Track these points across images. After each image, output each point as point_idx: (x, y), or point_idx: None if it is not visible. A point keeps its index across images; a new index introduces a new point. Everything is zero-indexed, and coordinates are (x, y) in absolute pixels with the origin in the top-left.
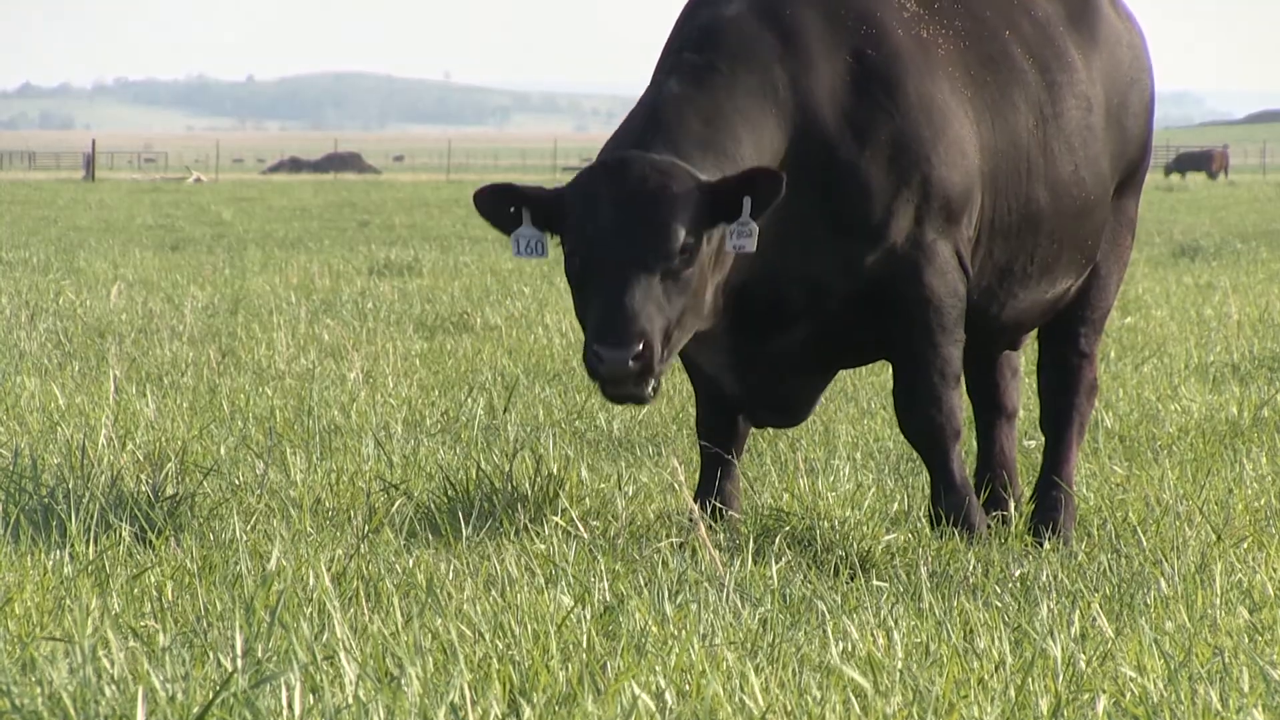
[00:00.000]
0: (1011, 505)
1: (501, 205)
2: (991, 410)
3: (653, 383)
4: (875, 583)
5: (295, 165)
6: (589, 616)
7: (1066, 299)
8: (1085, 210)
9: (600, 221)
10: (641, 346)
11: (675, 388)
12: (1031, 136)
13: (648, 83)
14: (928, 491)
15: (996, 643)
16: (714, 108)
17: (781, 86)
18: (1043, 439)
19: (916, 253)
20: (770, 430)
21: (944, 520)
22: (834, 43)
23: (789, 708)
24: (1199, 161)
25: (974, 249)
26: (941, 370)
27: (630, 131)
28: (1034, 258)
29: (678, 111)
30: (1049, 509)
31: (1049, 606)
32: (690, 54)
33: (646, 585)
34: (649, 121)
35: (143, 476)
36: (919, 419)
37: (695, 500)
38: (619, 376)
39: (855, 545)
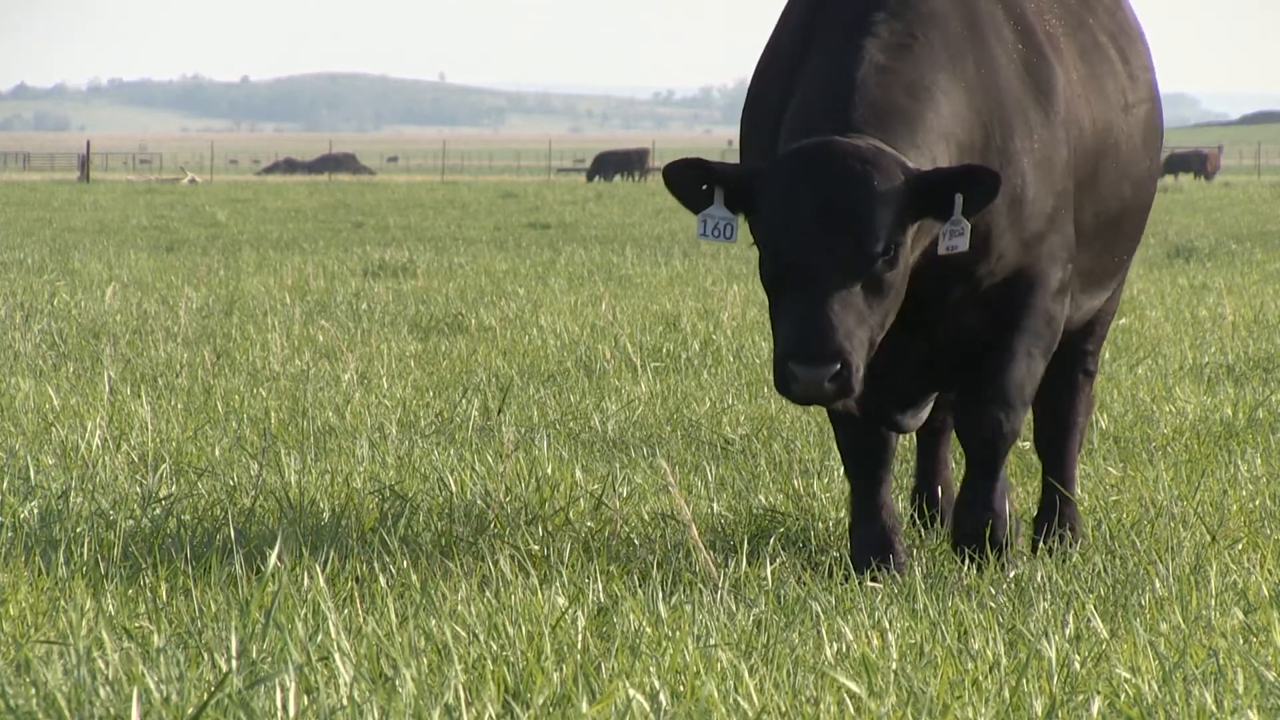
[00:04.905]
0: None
1: (694, 182)
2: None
3: (852, 397)
4: (869, 584)
5: (290, 166)
6: (583, 617)
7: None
8: (1148, 206)
9: (797, 219)
10: (839, 366)
11: (670, 389)
12: (1121, 131)
13: (787, 46)
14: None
15: (991, 644)
16: (917, 80)
17: (971, 65)
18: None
19: (1051, 256)
20: (765, 431)
21: (971, 531)
22: (1000, 32)
23: (783, 708)
24: (1189, 163)
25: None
26: (1028, 379)
27: (827, 102)
28: (1114, 257)
29: (881, 83)
30: (1059, 536)
31: (1043, 607)
32: (884, 17)
33: (641, 586)
34: (848, 92)
35: (137, 477)
36: (988, 422)
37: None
38: (814, 397)
39: (849, 544)
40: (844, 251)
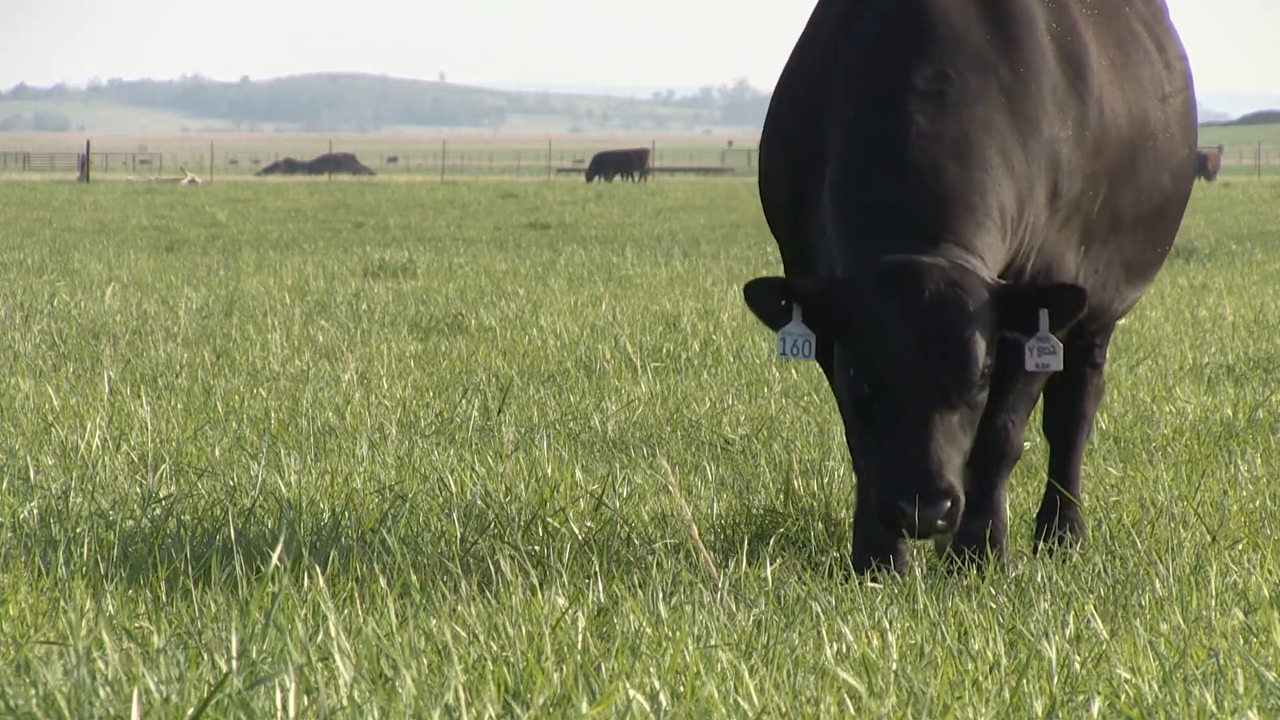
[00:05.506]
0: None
1: (773, 298)
2: None
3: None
4: (870, 584)
5: (290, 166)
6: (583, 618)
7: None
8: (1187, 196)
9: (892, 351)
10: (950, 503)
11: (670, 389)
12: (1159, 120)
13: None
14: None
15: (991, 644)
16: (961, 136)
17: (1007, 71)
18: (1038, 439)
19: (1070, 242)
20: (765, 431)
21: (972, 541)
22: (1033, 16)
23: (784, 709)
24: None
25: (1105, 244)
26: (1036, 385)
27: (881, 188)
28: (1156, 248)
29: (931, 159)
30: (1058, 530)
31: (1044, 608)
32: (919, 63)
33: (641, 586)
34: (903, 182)
35: (137, 477)
36: (993, 433)
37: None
38: (925, 534)
39: (850, 546)
40: (943, 385)
